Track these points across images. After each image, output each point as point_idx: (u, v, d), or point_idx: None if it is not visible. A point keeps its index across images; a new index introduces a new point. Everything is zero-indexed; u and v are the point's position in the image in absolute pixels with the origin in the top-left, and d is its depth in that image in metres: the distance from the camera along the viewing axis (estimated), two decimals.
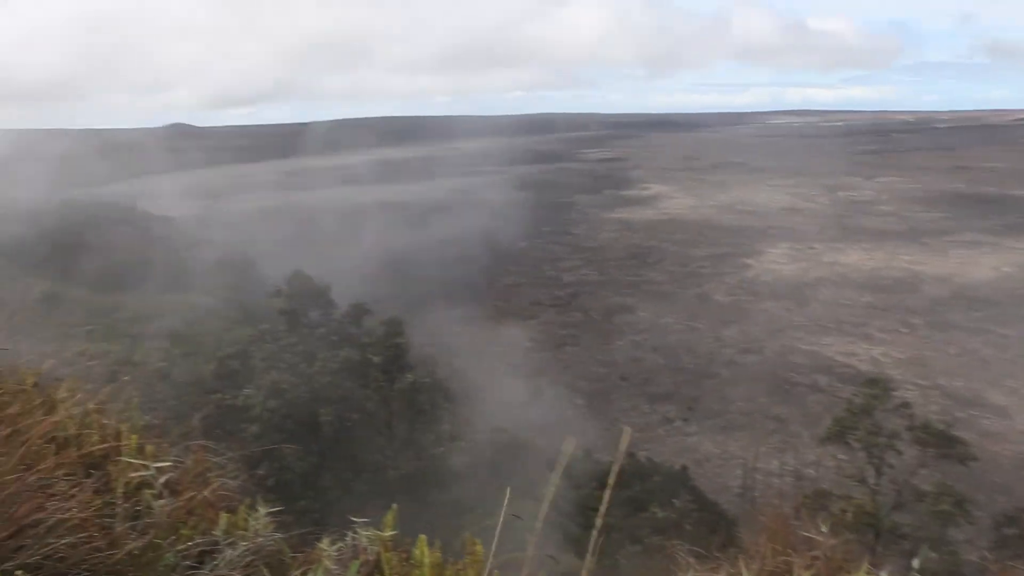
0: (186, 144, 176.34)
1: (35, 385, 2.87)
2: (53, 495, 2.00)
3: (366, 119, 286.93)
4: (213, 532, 2.26)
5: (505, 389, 51.34)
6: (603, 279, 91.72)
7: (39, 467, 2.05)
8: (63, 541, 1.89)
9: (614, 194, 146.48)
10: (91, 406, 3.16)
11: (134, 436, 2.84)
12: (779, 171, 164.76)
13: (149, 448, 2.77)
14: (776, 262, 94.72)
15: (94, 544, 1.97)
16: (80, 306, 66.83)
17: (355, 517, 2.42)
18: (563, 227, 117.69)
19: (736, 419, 54.97)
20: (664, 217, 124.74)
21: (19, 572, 1.73)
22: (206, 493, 2.47)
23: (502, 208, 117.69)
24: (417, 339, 43.08)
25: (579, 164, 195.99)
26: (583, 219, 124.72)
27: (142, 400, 3.87)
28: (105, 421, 3.08)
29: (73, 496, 2.04)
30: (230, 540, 2.25)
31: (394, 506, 2.26)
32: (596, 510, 2.56)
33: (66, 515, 1.94)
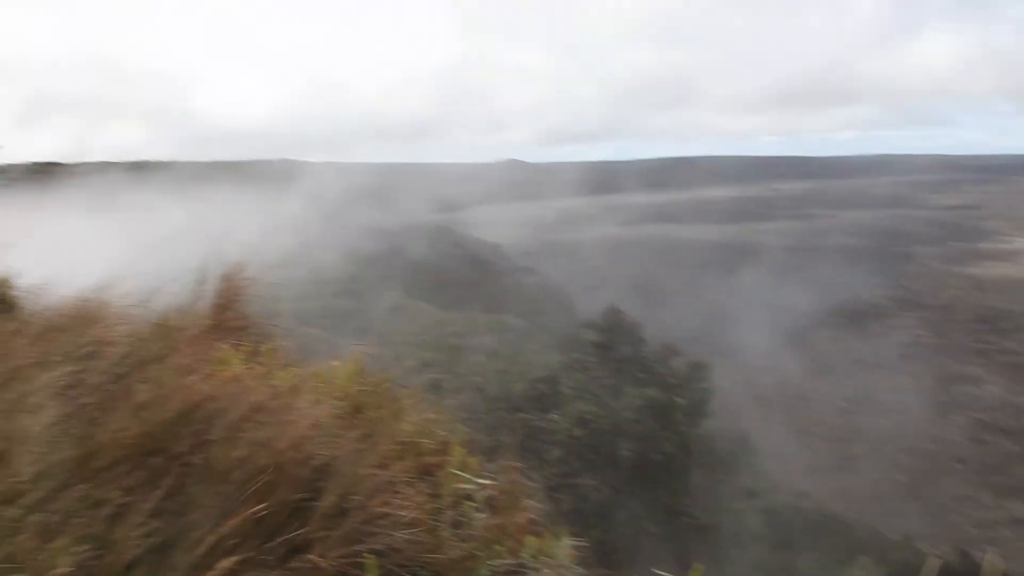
0: (518, 178, 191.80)
1: (386, 390, 3.29)
2: (396, 493, 2.26)
3: (689, 158, 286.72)
4: (521, 554, 2.37)
5: (813, 450, 47.39)
6: (941, 343, 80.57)
7: (389, 467, 2.34)
8: (401, 535, 2.13)
9: (963, 246, 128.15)
10: (428, 415, 3.52)
11: (460, 449, 3.11)
12: None
13: (472, 462, 3.01)
14: None
15: (423, 543, 2.19)
16: (419, 318, 76.00)
17: (648, 561, 2.38)
18: (897, 280, 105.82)
19: None
20: None
21: (368, 554, 1.99)
22: (518, 514, 2.61)
23: (827, 255, 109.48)
24: (723, 385, 41.63)
25: (922, 211, 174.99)
26: (922, 272, 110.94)
27: (462, 411, 4.23)
28: (437, 430, 3.42)
29: (410, 497, 2.28)
30: (535, 565, 2.35)
31: (699, 567, 2.18)
32: None
33: (405, 513, 2.18)
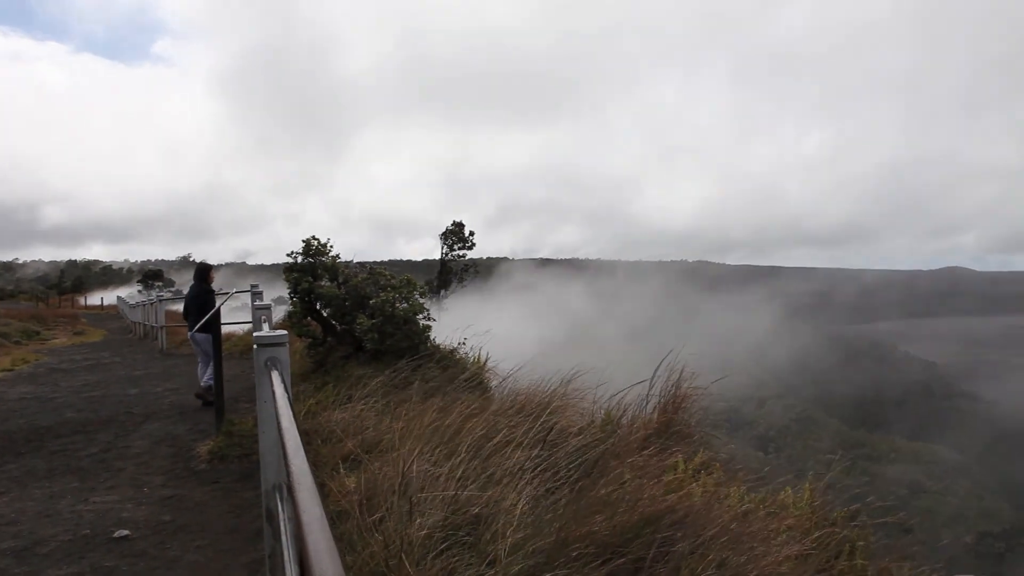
0: (960, 289, 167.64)
1: (847, 534, 3.00)
2: None
3: None
4: None
5: None
6: None
7: None
8: None
9: None
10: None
11: None
12: None
13: None
14: None
15: None
16: (827, 434, 69.72)
17: None
18: None
19: None
20: None
21: None
22: None
23: None
24: None
25: None
26: None
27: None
28: None
29: None
30: None
31: None
32: None
33: None
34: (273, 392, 3.00)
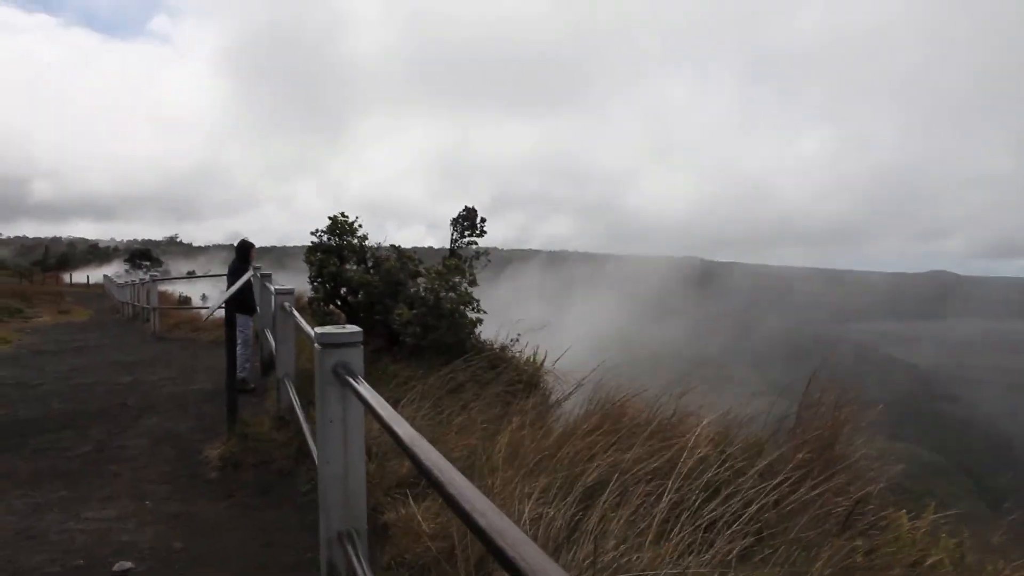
0: (946, 293, 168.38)
1: None
2: None
3: None
4: None
5: None
6: None
7: None
8: None
9: None
10: None
11: None
12: None
13: None
14: None
15: None
16: None
17: None
18: None
19: None
20: None
21: None
22: None
23: None
24: None
25: None
26: None
27: None
28: None
29: None
30: None
31: None
32: None
33: None
34: (371, 407, 2.11)
